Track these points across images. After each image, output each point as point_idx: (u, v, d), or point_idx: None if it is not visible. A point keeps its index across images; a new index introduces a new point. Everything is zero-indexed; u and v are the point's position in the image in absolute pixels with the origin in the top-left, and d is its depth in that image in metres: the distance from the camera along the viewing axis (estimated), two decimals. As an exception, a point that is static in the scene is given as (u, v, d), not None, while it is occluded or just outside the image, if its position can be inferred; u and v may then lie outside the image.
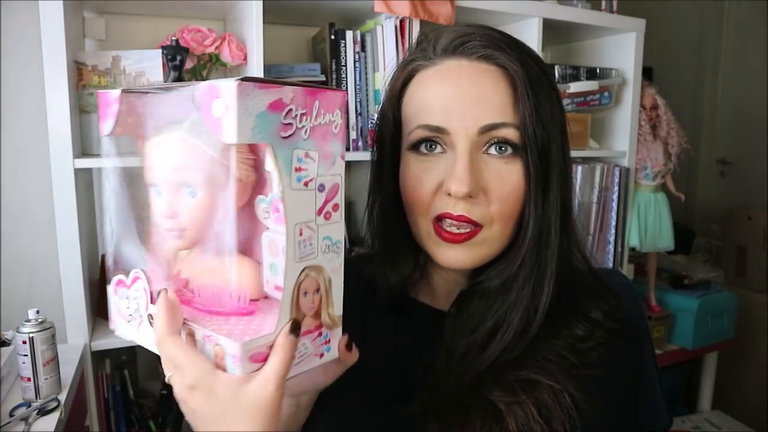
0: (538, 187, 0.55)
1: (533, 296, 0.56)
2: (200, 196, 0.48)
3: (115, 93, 0.48)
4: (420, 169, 0.57)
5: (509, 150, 0.55)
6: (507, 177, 0.55)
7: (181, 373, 0.44)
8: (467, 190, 0.53)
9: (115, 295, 0.51)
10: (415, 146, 0.57)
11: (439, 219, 0.56)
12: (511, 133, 0.54)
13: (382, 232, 0.65)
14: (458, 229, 0.55)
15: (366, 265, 0.69)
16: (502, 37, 0.58)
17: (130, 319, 0.50)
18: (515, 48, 0.57)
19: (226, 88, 0.39)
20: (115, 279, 0.51)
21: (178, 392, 0.45)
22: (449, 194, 0.54)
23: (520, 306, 0.56)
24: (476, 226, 0.55)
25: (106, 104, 0.49)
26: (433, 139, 0.56)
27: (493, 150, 0.55)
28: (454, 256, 0.57)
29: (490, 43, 0.56)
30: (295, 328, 0.43)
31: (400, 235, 0.62)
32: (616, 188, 1.74)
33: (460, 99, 0.55)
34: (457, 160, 0.54)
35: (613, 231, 1.77)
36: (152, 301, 0.47)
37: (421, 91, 0.58)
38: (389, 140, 0.61)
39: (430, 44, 0.59)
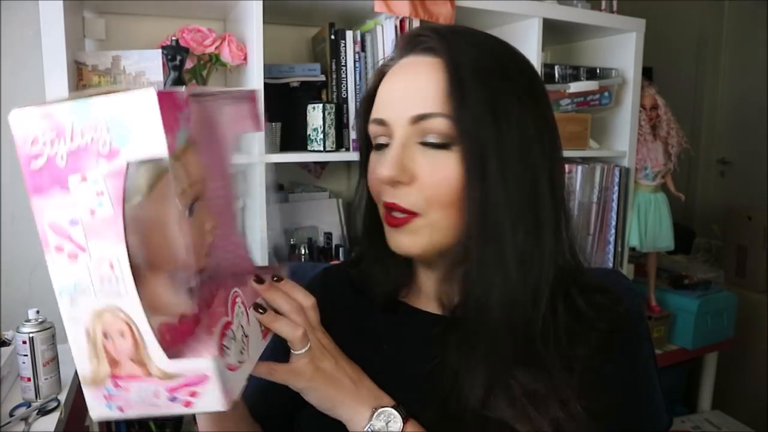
0: (471, 177, 0.55)
1: (489, 283, 0.56)
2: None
3: (183, 92, 0.38)
4: (374, 163, 0.61)
5: (440, 142, 0.56)
6: (439, 165, 0.56)
7: (312, 339, 0.52)
8: (388, 173, 0.55)
9: (223, 355, 0.41)
10: (376, 146, 0.61)
11: (387, 208, 0.59)
12: (440, 123, 0.55)
13: (365, 232, 0.67)
14: (395, 214, 0.58)
15: (354, 266, 0.71)
16: (454, 30, 0.59)
17: (241, 360, 0.44)
18: (464, 40, 0.57)
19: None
20: (218, 334, 0.42)
21: (309, 359, 0.52)
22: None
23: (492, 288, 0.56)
24: (410, 214, 0.57)
25: (176, 107, 0.37)
26: (381, 142, 0.59)
27: (426, 140, 0.56)
28: (397, 241, 0.59)
29: (437, 36, 0.58)
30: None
31: (381, 233, 0.64)
32: (616, 188, 1.74)
33: (399, 92, 0.58)
34: (391, 149, 0.57)
35: (613, 231, 1.77)
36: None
37: (381, 90, 0.61)
38: (364, 141, 0.64)
39: (398, 45, 0.63)
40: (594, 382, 0.55)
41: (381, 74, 0.62)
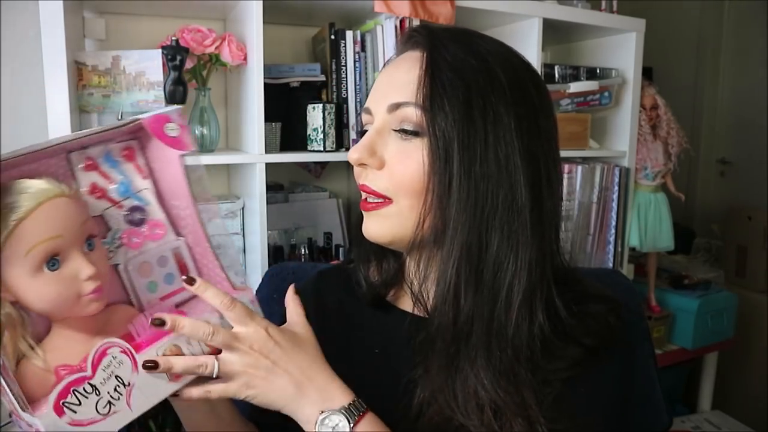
0: (435, 167, 0.55)
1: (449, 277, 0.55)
2: (98, 246, 0.51)
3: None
4: None
5: (410, 131, 0.57)
6: (408, 153, 0.57)
7: (240, 347, 0.52)
8: (356, 155, 0.58)
9: (62, 415, 0.45)
10: (362, 133, 0.63)
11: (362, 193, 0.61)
12: (411, 112, 0.56)
13: (356, 229, 0.68)
14: (369, 199, 0.59)
15: (351, 268, 0.71)
16: (447, 29, 0.60)
17: (108, 411, 0.47)
18: (451, 37, 0.58)
19: (173, 111, 0.53)
20: (54, 394, 0.45)
21: (241, 363, 0.51)
22: None
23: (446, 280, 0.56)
24: (383, 199, 0.58)
25: None
26: (366, 128, 0.61)
27: (401, 127, 0.57)
28: (368, 226, 0.60)
29: (426, 32, 0.59)
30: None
31: None
32: (616, 188, 1.74)
33: (382, 84, 0.61)
34: (367, 133, 0.59)
35: (613, 231, 1.77)
36: (138, 350, 0.49)
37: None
38: None
39: (399, 42, 0.65)
40: (569, 398, 0.54)
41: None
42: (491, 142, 0.54)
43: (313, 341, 0.57)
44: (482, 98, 0.55)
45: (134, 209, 0.55)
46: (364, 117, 0.62)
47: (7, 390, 0.44)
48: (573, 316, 0.57)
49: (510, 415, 0.52)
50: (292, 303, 0.60)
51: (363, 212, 0.61)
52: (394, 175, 0.57)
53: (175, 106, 0.55)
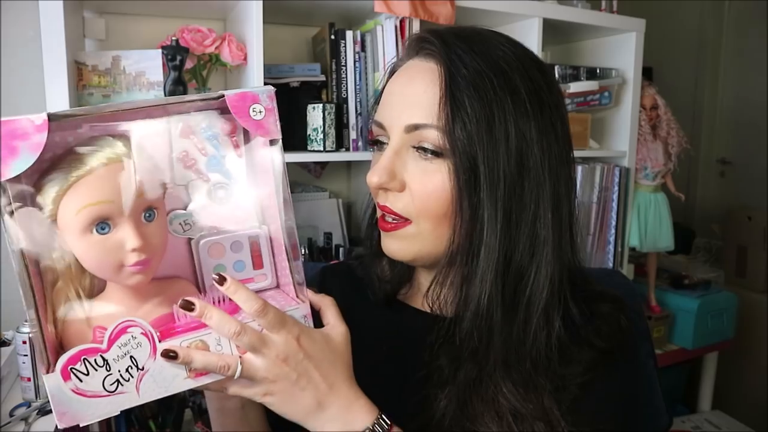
0: (462, 191, 0.54)
1: (476, 296, 0.55)
2: (159, 218, 0.49)
3: (39, 118, 0.43)
4: (373, 161, 0.61)
5: (430, 153, 0.55)
6: (430, 175, 0.55)
7: (267, 354, 0.48)
8: (376, 180, 0.56)
9: (68, 379, 0.44)
10: (373, 142, 0.61)
11: (381, 210, 0.59)
12: (432, 135, 0.54)
13: (368, 228, 0.68)
14: (387, 218, 0.58)
15: (359, 265, 0.71)
16: (460, 35, 0.57)
17: (115, 389, 0.46)
18: (467, 46, 0.55)
19: (264, 92, 0.49)
20: (65, 358, 0.44)
21: (265, 370, 0.48)
22: None
23: (471, 303, 0.55)
24: (403, 220, 0.57)
25: (17, 136, 0.42)
26: (379, 140, 0.60)
27: (421, 145, 0.56)
28: (388, 245, 0.60)
29: (440, 41, 0.56)
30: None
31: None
32: (616, 188, 1.74)
33: (397, 98, 0.58)
34: (385, 154, 0.57)
35: (613, 231, 1.77)
36: (165, 337, 0.47)
37: (385, 91, 0.61)
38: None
39: (406, 46, 0.62)
40: (586, 401, 0.54)
41: (391, 73, 0.62)
42: (515, 160, 0.54)
43: (346, 351, 0.54)
44: (504, 116, 0.53)
45: (219, 185, 0.52)
46: (375, 129, 0.60)
47: (40, 341, 0.44)
48: (586, 320, 0.57)
49: (531, 419, 0.53)
50: (330, 306, 0.56)
51: (381, 231, 0.60)
52: (416, 198, 0.56)
53: (268, 87, 0.51)
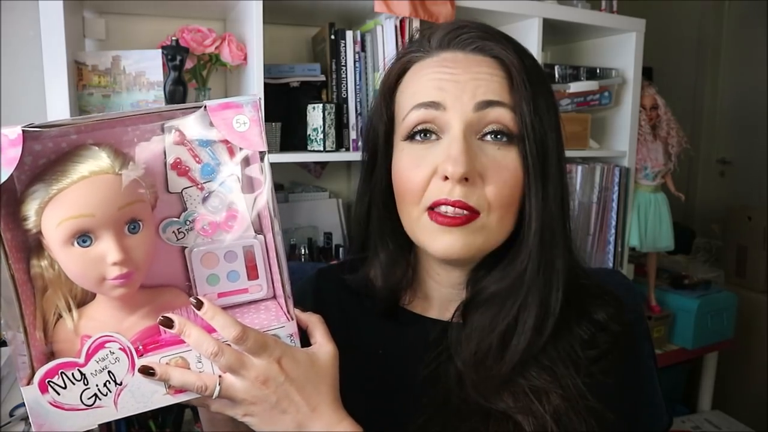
0: (536, 177, 0.53)
1: (544, 294, 0.54)
2: (144, 230, 0.48)
3: (14, 132, 0.42)
4: (414, 156, 0.56)
5: (504, 138, 0.53)
6: (504, 163, 0.53)
7: (247, 376, 0.47)
8: (463, 170, 0.51)
9: (45, 392, 0.44)
10: (410, 135, 0.56)
11: (433, 207, 0.54)
12: (506, 116, 0.52)
13: (376, 232, 0.64)
14: (454, 213, 0.53)
15: (351, 272, 0.67)
16: (494, 31, 0.58)
17: (92, 403, 0.46)
18: (509, 41, 0.57)
19: (248, 102, 0.47)
20: (42, 371, 0.45)
21: (244, 392, 0.47)
22: (445, 179, 0.52)
23: (533, 305, 0.54)
24: (473, 212, 0.53)
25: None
26: (428, 129, 0.55)
27: (489, 137, 0.53)
28: (450, 243, 0.54)
29: (484, 35, 0.56)
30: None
31: (391, 232, 0.61)
32: (616, 188, 1.74)
33: (455, 78, 0.54)
34: (452, 142, 0.53)
35: (613, 231, 1.77)
36: (138, 354, 0.46)
37: (416, 79, 0.57)
38: (382, 133, 0.60)
39: (425, 39, 0.59)
40: (598, 384, 0.54)
41: (407, 65, 0.59)
42: (560, 145, 0.56)
43: (332, 371, 0.51)
44: (546, 100, 0.55)
45: (213, 194, 0.50)
46: (424, 113, 0.54)
47: (25, 353, 0.45)
48: (586, 320, 0.57)
49: (549, 395, 0.53)
50: (318, 324, 0.54)
51: (436, 226, 0.54)
52: (493, 186, 0.52)
53: (253, 96, 0.48)
